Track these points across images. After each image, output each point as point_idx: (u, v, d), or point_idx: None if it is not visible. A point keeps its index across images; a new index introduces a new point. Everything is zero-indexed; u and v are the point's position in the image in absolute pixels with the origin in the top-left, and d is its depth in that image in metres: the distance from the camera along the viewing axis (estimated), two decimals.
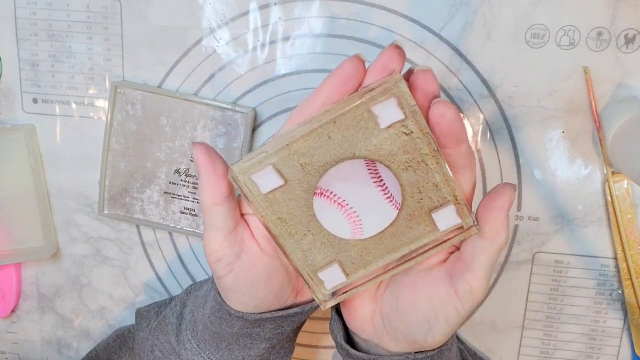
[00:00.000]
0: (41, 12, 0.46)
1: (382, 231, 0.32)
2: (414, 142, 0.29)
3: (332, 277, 0.34)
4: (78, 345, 0.53)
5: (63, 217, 0.50)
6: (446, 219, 0.31)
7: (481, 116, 0.43)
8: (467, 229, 0.31)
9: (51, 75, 0.47)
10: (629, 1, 0.40)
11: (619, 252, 0.44)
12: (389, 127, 0.29)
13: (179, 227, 0.48)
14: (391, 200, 0.31)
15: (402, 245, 0.33)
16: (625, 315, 0.45)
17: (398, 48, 0.29)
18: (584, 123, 0.43)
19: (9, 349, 0.54)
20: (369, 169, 0.30)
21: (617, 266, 0.44)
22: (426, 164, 0.30)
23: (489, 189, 0.44)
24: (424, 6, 0.42)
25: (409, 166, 0.30)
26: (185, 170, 0.46)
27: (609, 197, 0.43)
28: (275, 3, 0.43)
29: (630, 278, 0.44)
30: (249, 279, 0.33)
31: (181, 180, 0.46)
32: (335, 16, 0.43)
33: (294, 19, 0.43)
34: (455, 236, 0.32)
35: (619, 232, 0.43)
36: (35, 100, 0.48)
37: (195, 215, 0.47)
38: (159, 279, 0.50)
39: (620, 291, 0.45)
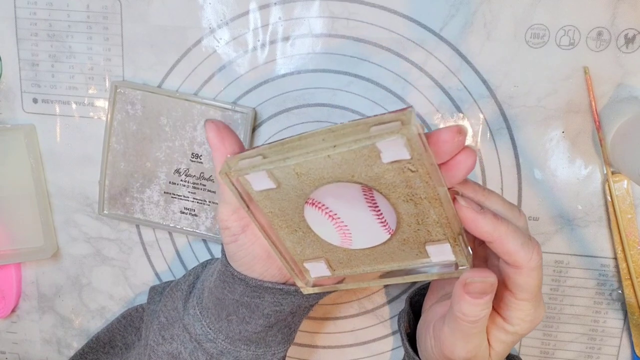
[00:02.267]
0: (41, 12, 0.46)
1: (373, 247, 0.32)
2: (417, 180, 0.27)
3: (317, 270, 0.34)
4: (78, 345, 0.53)
5: (63, 217, 0.50)
6: (440, 253, 0.31)
7: (481, 116, 0.43)
8: (459, 269, 0.31)
9: (51, 75, 0.47)
10: (629, 1, 0.40)
11: (619, 252, 0.44)
12: (392, 162, 0.27)
13: (179, 227, 0.48)
14: (385, 226, 0.30)
15: (391, 262, 0.32)
16: (625, 315, 0.45)
17: (460, 132, 0.28)
18: (584, 123, 0.43)
19: (9, 349, 0.54)
20: (365, 194, 0.29)
21: (617, 266, 0.44)
22: (429, 202, 0.28)
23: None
24: (424, 6, 0.42)
25: (409, 199, 0.28)
26: (185, 170, 0.46)
27: (609, 197, 0.43)
28: (275, 3, 0.43)
29: (630, 278, 0.44)
30: (249, 253, 0.35)
31: (181, 180, 0.46)
32: (335, 16, 0.43)
33: (294, 19, 0.43)
34: (445, 272, 0.31)
35: (619, 232, 0.43)
36: (35, 100, 0.48)
37: (195, 215, 0.47)
38: (159, 279, 0.50)
39: (620, 291, 0.45)
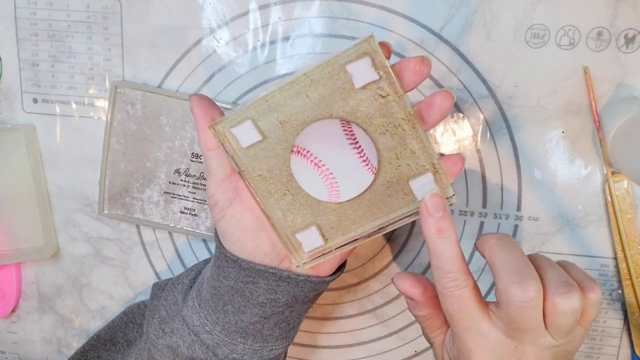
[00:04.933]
0: (41, 12, 0.46)
1: (360, 197, 0.32)
2: (390, 106, 0.30)
3: (310, 240, 0.34)
4: (78, 345, 0.53)
5: (63, 217, 0.50)
6: (424, 188, 0.31)
7: (481, 116, 0.43)
8: (446, 199, 0.32)
9: (51, 75, 0.47)
10: (629, 1, 0.40)
11: (619, 252, 0.44)
12: (364, 88, 0.29)
13: (179, 227, 0.48)
14: (367, 164, 0.31)
15: (381, 214, 0.33)
16: (625, 315, 0.45)
17: (424, 62, 0.30)
18: (584, 123, 0.43)
19: (9, 349, 0.54)
20: (344, 130, 0.31)
21: (617, 266, 0.44)
22: (403, 129, 0.30)
23: (489, 189, 0.44)
24: (424, 6, 0.42)
25: (385, 130, 0.30)
26: (185, 170, 0.46)
27: (609, 197, 0.43)
28: (275, 3, 0.43)
29: (630, 278, 0.44)
30: (239, 227, 0.35)
31: (181, 180, 0.46)
32: (335, 16, 0.43)
33: (294, 19, 0.43)
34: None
35: (619, 232, 0.43)
36: (35, 100, 0.48)
37: (195, 215, 0.47)
38: (159, 279, 0.50)
39: (620, 291, 0.45)
